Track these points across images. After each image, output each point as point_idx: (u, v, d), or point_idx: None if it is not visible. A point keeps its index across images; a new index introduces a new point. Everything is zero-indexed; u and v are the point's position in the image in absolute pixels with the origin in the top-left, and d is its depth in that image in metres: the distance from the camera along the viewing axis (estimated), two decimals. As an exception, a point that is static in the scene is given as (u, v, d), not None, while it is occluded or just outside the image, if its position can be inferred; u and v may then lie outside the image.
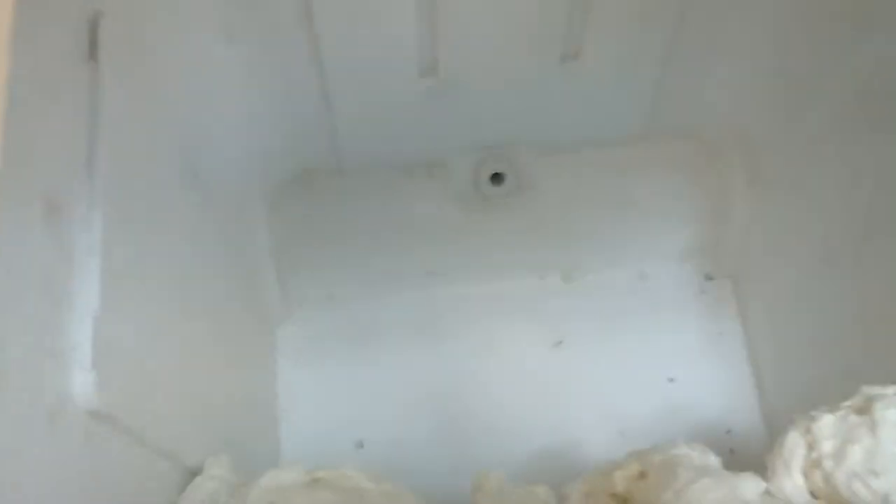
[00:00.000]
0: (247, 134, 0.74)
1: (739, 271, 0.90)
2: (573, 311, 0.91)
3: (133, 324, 0.47)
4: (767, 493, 0.51)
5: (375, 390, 0.88)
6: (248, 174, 0.80)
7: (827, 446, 0.49)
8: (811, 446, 0.50)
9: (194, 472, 0.55)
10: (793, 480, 0.50)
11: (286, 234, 0.88)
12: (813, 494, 0.50)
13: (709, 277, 0.92)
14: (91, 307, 0.42)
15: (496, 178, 0.88)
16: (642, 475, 0.57)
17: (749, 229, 0.87)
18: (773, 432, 0.83)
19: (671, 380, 0.87)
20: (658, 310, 0.91)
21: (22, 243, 0.36)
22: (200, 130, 0.66)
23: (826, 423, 0.50)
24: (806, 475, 0.50)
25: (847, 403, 0.52)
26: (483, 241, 0.90)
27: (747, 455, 0.83)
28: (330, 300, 0.91)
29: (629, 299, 0.91)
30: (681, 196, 0.90)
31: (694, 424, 0.85)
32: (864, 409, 0.50)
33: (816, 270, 0.76)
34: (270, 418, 0.84)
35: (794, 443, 0.51)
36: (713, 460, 0.54)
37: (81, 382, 0.41)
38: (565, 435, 0.86)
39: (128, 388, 0.46)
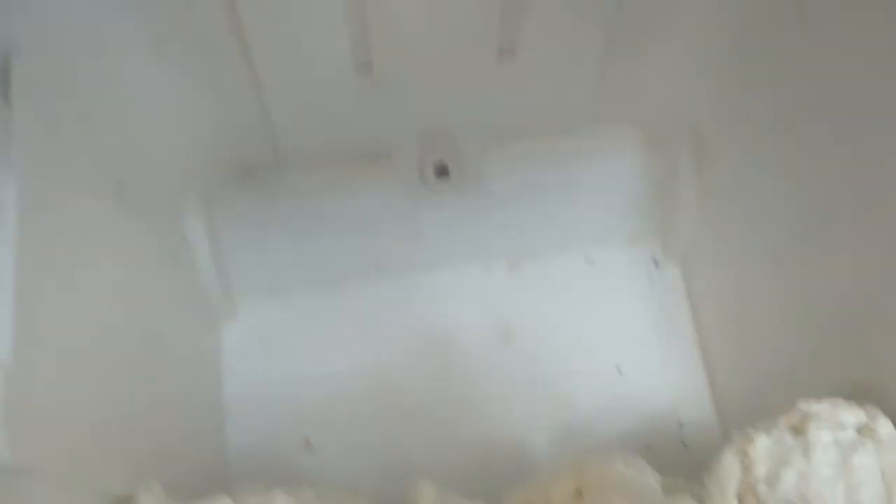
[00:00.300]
0: (182, 137, 0.72)
1: (688, 256, 0.90)
2: (520, 300, 0.90)
3: (53, 366, 0.46)
4: (703, 516, 0.51)
5: (323, 386, 0.87)
6: (186, 175, 0.78)
7: (761, 470, 0.49)
8: (747, 468, 0.50)
9: (127, 500, 0.54)
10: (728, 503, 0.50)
11: (228, 232, 0.85)
12: (747, 517, 0.50)
13: (657, 263, 0.91)
14: (3, 360, 0.40)
15: (441, 169, 0.86)
16: (578, 492, 0.57)
17: (696, 215, 0.86)
18: (725, 423, 0.84)
19: (620, 370, 0.87)
20: (606, 296, 0.90)
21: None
22: (132, 143, 0.64)
23: (761, 446, 0.50)
24: (741, 499, 0.50)
25: (783, 420, 0.51)
26: (430, 231, 0.89)
27: (700, 447, 0.84)
28: (275, 294, 0.89)
29: (576, 285, 0.91)
30: (627, 182, 0.89)
31: (644, 416, 0.85)
32: (800, 429, 0.50)
33: (764, 258, 0.75)
34: (216, 422, 0.82)
35: (730, 465, 0.51)
36: (651, 481, 0.54)
37: (-7, 441, 0.39)
38: (512, 427, 0.85)
39: (44, 440, 0.44)
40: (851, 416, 0.50)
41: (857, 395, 0.56)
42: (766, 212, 0.74)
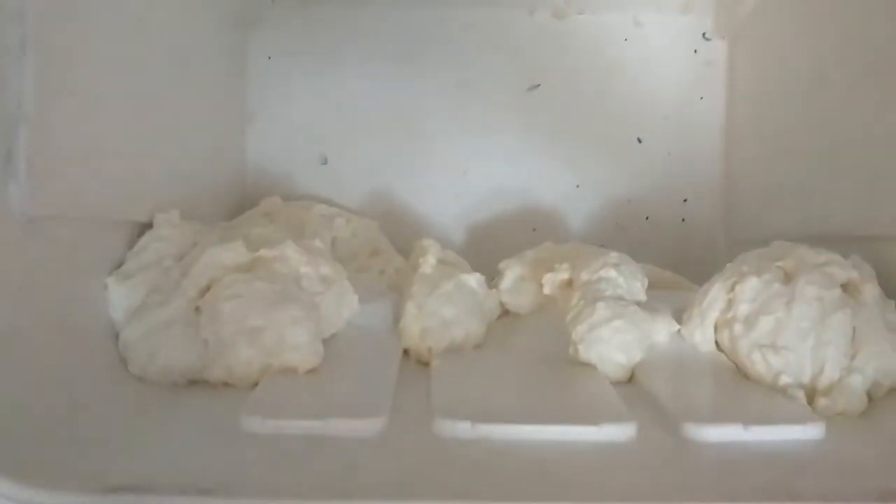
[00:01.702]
0: None
1: (739, 34, 0.85)
2: (557, 53, 0.87)
3: (75, 113, 0.46)
4: (679, 335, 0.54)
5: (343, 106, 0.87)
6: None
7: (743, 309, 0.51)
8: (730, 304, 0.52)
9: (146, 225, 0.57)
10: (704, 331, 0.53)
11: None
12: (719, 346, 0.53)
13: (706, 37, 0.87)
14: (26, 112, 0.41)
15: None
16: (569, 283, 0.60)
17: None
18: (729, 211, 0.85)
19: (640, 140, 0.87)
20: (646, 63, 0.87)
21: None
22: None
23: (749, 286, 0.52)
24: (717, 329, 0.53)
25: (778, 264, 0.53)
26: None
27: (697, 226, 0.86)
28: (305, 5, 0.86)
29: (619, 47, 0.87)
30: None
31: (652, 189, 0.86)
32: (790, 278, 0.52)
33: (811, 69, 0.71)
34: (237, 138, 0.84)
35: (716, 297, 0.53)
36: (638, 286, 0.57)
37: (16, 195, 0.41)
38: (522, 178, 0.87)
39: (67, 184, 0.46)
40: (843, 273, 0.51)
41: (862, 241, 0.57)
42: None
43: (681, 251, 0.86)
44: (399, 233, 0.82)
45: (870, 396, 0.48)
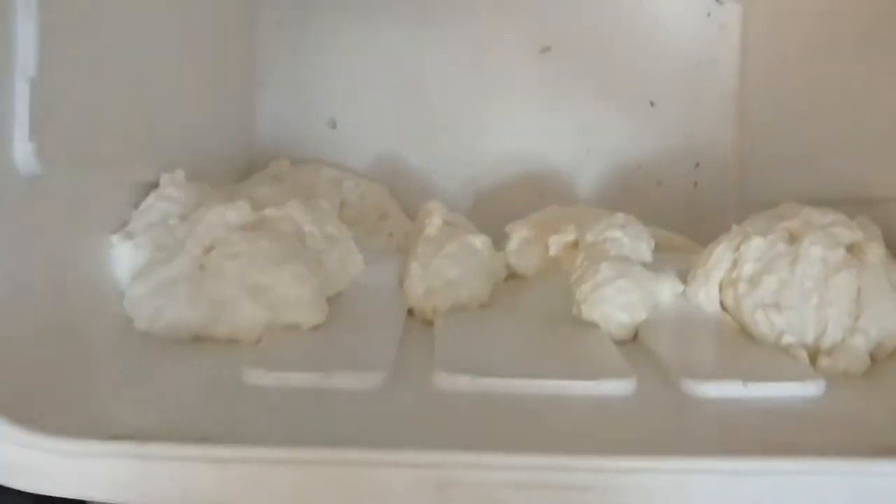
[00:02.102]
0: None
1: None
2: (568, 16, 0.86)
3: (79, 71, 0.46)
4: (683, 295, 0.54)
5: (353, 70, 0.87)
6: None
7: (747, 269, 0.51)
8: (735, 263, 0.52)
9: (151, 186, 0.57)
10: (708, 290, 0.53)
11: None
12: (723, 306, 0.53)
13: (720, 0, 0.85)
14: (27, 71, 0.41)
15: None
16: (575, 245, 0.60)
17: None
18: (742, 175, 0.84)
19: (652, 103, 0.86)
20: (658, 26, 0.86)
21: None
22: None
23: (754, 246, 0.51)
24: (721, 288, 0.53)
25: (784, 224, 0.53)
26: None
27: (709, 190, 0.86)
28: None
29: (631, 10, 0.86)
30: None
31: (663, 153, 0.86)
32: (796, 237, 0.51)
33: (828, 35, 0.70)
34: (247, 99, 0.84)
35: (721, 257, 0.53)
36: (643, 247, 0.57)
37: (21, 154, 0.41)
38: (532, 142, 0.86)
39: (71, 143, 0.46)
40: (849, 233, 0.51)
41: (872, 203, 0.57)
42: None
43: (693, 216, 0.86)
44: (408, 197, 0.82)
45: (873, 357, 0.48)
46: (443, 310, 0.56)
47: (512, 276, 0.65)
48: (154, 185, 0.57)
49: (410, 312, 0.57)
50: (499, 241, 0.65)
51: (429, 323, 0.55)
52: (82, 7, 0.46)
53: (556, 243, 0.60)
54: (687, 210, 0.86)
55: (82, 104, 0.47)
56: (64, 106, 0.44)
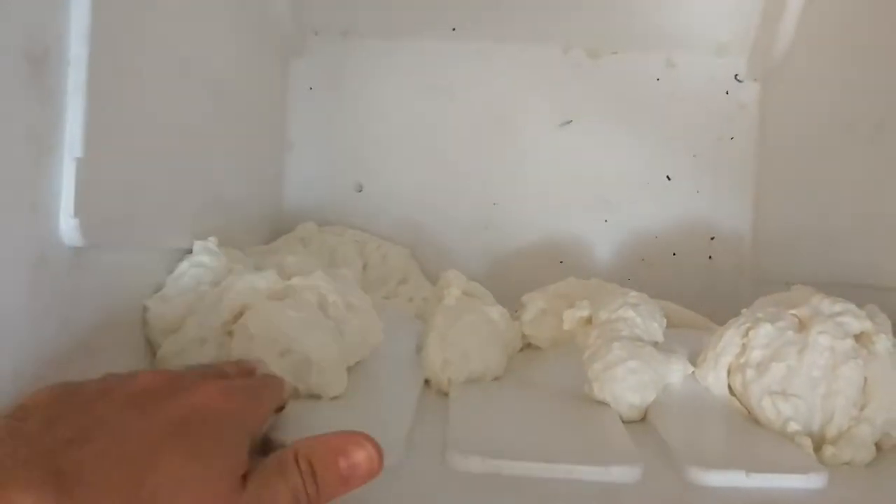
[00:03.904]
0: None
1: (771, 78, 0.86)
2: (590, 90, 0.89)
3: (122, 149, 0.49)
4: (692, 377, 0.55)
5: (380, 136, 0.90)
6: None
7: (756, 356, 0.52)
8: (743, 349, 0.54)
9: (185, 251, 0.60)
10: (717, 374, 0.54)
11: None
12: (731, 390, 0.54)
13: (738, 79, 0.88)
14: (75, 150, 0.44)
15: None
16: (589, 320, 0.61)
17: (795, 38, 0.81)
18: (756, 251, 0.86)
19: (669, 178, 0.88)
20: (677, 103, 0.89)
21: (5, 102, 0.38)
22: None
23: (763, 333, 0.53)
24: (730, 373, 0.54)
25: (793, 311, 0.54)
26: (513, 2, 0.85)
27: (723, 264, 0.87)
28: (346, 36, 0.89)
29: (651, 86, 0.89)
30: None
31: (679, 226, 0.88)
32: (804, 325, 0.53)
33: (849, 116, 0.72)
34: (277, 166, 0.87)
35: (730, 341, 0.54)
36: (655, 326, 0.58)
37: (66, 228, 0.44)
38: (551, 211, 0.89)
39: (113, 219, 0.48)
40: (857, 323, 0.52)
41: (883, 291, 0.59)
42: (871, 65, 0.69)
43: (707, 288, 0.87)
44: (428, 260, 0.84)
45: (878, 447, 0.49)
46: (458, 381, 0.57)
47: (527, 345, 0.66)
48: (188, 251, 0.60)
49: (426, 382, 0.59)
50: (515, 305, 0.67)
51: (444, 394, 0.57)
52: (128, 88, 0.49)
53: (570, 318, 0.62)
54: (701, 282, 0.88)
55: (124, 181, 0.49)
56: (107, 183, 0.47)
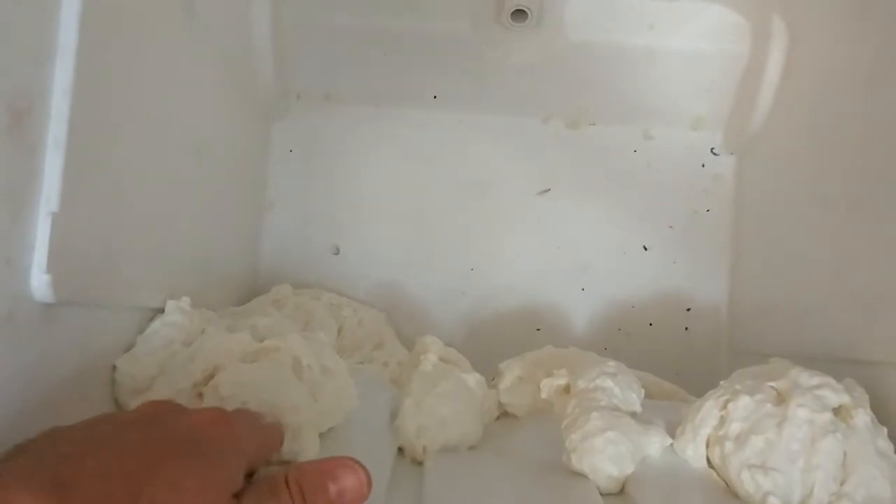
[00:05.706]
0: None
1: (747, 151, 0.88)
2: (568, 160, 0.90)
3: (98, 207, 0.48)
4: (671, 449, 0.55)
5: (359, 199, 0.90)
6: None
7: (734, 429, 0.52)
8: (722, 421, 0.53)
9: (157, 310, 0.59)
10: (696, 446, 0.54)
11: (291, 33, 0.84)
12: (710, 462, 0.54)
13: (714, 152, 0.89)
14: (51, 205, 0.43)
15: (519, 11, 0.82)
16: (567, 389, 0.61)
17: (771, 113, 0.83)
18: (733, 323, 0.86)
19: (646, 248, 0.89)
20: (655, 174, 0.90)
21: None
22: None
23: (742, 405, 0.52)
24: (709, 445, 0.54)
25: (771, 384, 0.54)
26: (494, 73, 0.87)
27: (700, 335, 0.87)
28: (328, 101, 0.90)
29: (628, 158, 0.90)
30: (708, 62, 0.85)
31: (656, 296, 0.88)
32: (782, 398, 0.53)
33: (825, 190, 0.73)
34: (253, 226, 0.86)
35: (708, 413, 0.54)
36: (633, 397, 0.58)
37: (37, 284, 0.43)
38: (528, 278, 0.89)
39: (86, 276, 0.48)
40: (836, 397, 0.52)
41: (859, 364, 0.59)
42: (845, 136, 0.70)
43: (683, 359, 0.87)
44: (405, 324, 0.84)
45: (858, 523, 0.49)
46: (433, 450, 0.56)
47: (503, 413, 0.65)
48: (160, 310, 0.59)
49: (400, 450, 0.57)
50: (491, 371, 0.66)
51: (418, 463, 0.56)
52: (108, 145, 0.49)
53: (547, 387, 0.61)
54: (678, 352, 0.88)
55: (99, 237, 0.49)
56: (82, 239, 0.46)
